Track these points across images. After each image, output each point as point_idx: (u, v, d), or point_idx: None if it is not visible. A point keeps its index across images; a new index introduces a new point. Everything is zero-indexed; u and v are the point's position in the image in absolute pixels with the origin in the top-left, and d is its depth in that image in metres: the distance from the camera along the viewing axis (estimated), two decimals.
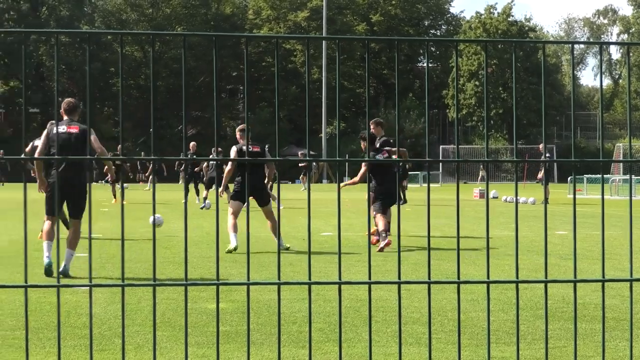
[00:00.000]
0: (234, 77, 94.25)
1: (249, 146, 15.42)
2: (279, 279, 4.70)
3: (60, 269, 12.32)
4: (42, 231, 12.59)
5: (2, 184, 61.69)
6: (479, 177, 74.74)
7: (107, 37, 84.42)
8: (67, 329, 8.37)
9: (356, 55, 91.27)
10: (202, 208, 29.82)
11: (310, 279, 4.68)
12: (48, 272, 12.04)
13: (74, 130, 12.43)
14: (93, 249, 15.11)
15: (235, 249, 15.30)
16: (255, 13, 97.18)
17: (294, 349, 7.61)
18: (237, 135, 16.64)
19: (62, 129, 12.35)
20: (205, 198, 30.95)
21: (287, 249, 15.86)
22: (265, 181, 16.76)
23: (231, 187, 17.26)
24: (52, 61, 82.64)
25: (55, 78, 4.58)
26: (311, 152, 75.84)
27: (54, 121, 12.43)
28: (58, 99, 4.74)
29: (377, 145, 17.79)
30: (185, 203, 4.98)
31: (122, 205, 4.59)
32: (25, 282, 4.61)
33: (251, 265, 11.67)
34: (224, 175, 16.57)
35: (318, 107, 78.92)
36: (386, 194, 16.70)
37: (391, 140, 18.54)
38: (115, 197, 33.70)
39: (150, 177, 51.96)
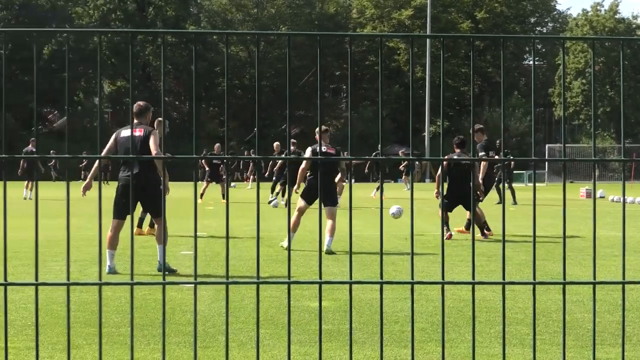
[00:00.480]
0: (337, 76, 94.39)
1: (324, 147, 15.88)
2: (381, 278, 4.68)
3: (158, 267, 12.55)
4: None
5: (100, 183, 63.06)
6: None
7: (213, 37, 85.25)
8: (172, 326, 8.47)
9: (460, 53, 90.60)
10: (269, 203, 30.21)
11: (412, 278, 4.66)
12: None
13: (138, 133, 12.55)
14: (198, 247, 15.30)
15: (285, 248, 15.13)
16: (359, 12, 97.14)
17: (396, 349, 7.59)
18: (316, 136, 16.42)
19: (128, 132, 12.51)
20: (278, 194, 31.37)
21: (331, 253, 15.20)
22: (336, 180, 17.03)
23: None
24: (159, 61, 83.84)
25: (162, 78, 4.64)
26: (414, 152, 75.54)
27: (127, 126, 12.65)
28: (164, 99, 4.79)
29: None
30: (289, 202, 4.99)
31: (227, 204, 4.63)
32: (131, 279, 4.68)
33: (353, 264, 11.68)
34: (298, 173, 16.41)
35: (421, 105, 78.52)
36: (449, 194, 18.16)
37: (497, 142, 18.97)
38: (224, 197, 33.68)
39: (252, 176, 52.32)
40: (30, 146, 36.30)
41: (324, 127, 16.54)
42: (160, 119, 16.07)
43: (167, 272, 11.96)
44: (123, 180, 12.56)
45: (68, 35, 4.75)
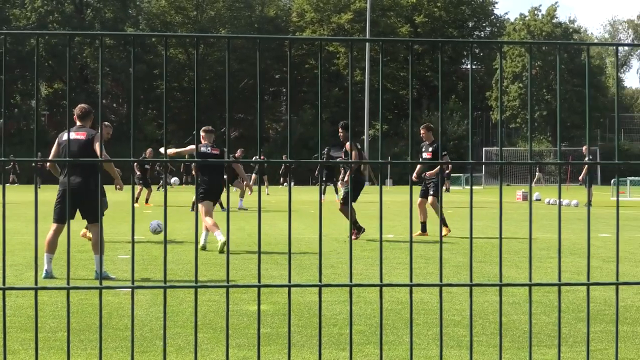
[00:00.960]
0: (277, 79, 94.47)
1: (209, 148, 17.01)
2: (320, 281, 4.69)
3: (95, 276, 12.32)
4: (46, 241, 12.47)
5: (17, 184, 62.72)
6: (535, 179, 74.28)
7: (152, 40, 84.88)
8: (109, 330, 8.41)
9: (399, 57, 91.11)
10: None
11: (351, 281, 4.67)
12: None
13: (81, 136, 12.41)
14: (135, 250, 15.20)
15: (224, 243, 15.49)
16: (298, 15, 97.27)
17: (334, 351, 7.60)
18: (201, 135, 17.29)
19: (70, 135, 12.34)
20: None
21: (204, 248, 16.12)
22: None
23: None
24: (97, 63, 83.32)
25: (99, 80, 4.61)
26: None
27: (70, 129, 12.58)
28: (102, 101, 4.76)
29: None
30: (227, 204, 4.98)
31: (165, 208, 4.61)
32: (68, 283, 4.63)
33: (292, 267, 11.68)
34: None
35: (361, 109, 78.79)
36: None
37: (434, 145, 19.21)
38: (136, 201, 32.84)
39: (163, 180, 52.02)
40: None
41: (210, 127, 17.44)
42: (107, 123, 16.31)
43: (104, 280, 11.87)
44: (64, 184, 12.30)
45: (5, 37, 4.70)
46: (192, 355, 7.35)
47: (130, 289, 4.61)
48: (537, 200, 40.52)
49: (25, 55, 79.67)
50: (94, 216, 12.51)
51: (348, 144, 18.68)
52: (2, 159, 4.64)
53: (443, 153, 19.46)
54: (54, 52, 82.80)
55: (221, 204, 26.16)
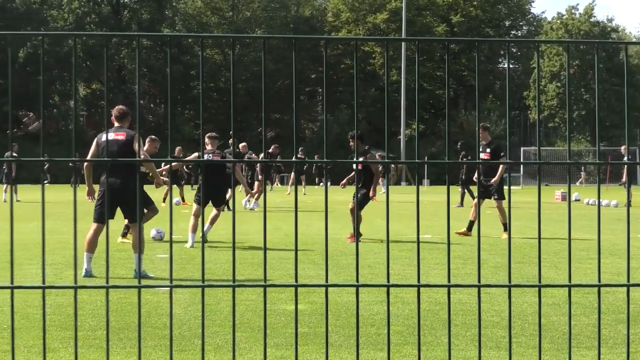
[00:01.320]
0: (312, 79, 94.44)
1: (211, 155, 17.61)
2: (357, 281, 4.69)
3: (134, 275, 12.39)
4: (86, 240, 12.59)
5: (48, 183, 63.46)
6: (580, 180, 73.74)
7: (188, 40, 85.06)
8: (148, 329, 8.45)
9: (436, 57, 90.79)
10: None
11: (388, 281, 4.66)
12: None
13: (121, 137, 12.54)
14: (174, 250, 15.27)
15: (191, 246, 16.64)
16: (334, 15, 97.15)
17: (372, 352, 7.59)
18: (206, 141, 17.98)
19: (110, 136, 12.42)
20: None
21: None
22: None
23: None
24: (134, 64, 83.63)
25: (136, 81, 4.63)
26: (390, 155, 75.65)
27: (109, 130, 12.65)
28: (139, 102, 4.78)
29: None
30: (265, 204, 4.98)
31: (202, 208, 4.62)
32: (107, 282, 4.66)
33: (329, 267, 11.69)
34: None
35: (397, 109, 78.62)
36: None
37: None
38: (164, 200, 32.59)
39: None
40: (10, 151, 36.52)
41: (214, 134, 18.13)
42: (154, 137, 16.94)
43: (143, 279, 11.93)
44: (104, 184, 12.22)
45: (43, 38, 4.73)
46: (230, 354, 7.38)
47: (168, 288, 4.63)
48: (576, 200, 40.27)
49: (63, 56, 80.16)
50: (134, 216, 12.66)
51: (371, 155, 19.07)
52: (41, 158, 4.68)
53: (501, 154, 19.39)
54: (92, 53, 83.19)
55: (228, 205, 26.19)
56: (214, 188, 17.38)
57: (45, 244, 4.63)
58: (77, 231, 4.67)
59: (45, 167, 63.95)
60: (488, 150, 19.48)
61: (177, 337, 8.08)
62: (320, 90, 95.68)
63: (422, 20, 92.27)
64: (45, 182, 66.59)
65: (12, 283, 4.64)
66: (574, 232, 20.26)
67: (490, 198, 19.78)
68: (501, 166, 19.49)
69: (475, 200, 20.07)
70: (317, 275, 12.64)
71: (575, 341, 8.02)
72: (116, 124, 12.77)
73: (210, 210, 18.11)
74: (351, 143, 19.16)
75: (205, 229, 16.90)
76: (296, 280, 4.70)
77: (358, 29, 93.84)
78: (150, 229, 18.44)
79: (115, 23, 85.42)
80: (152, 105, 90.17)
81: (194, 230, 16.88)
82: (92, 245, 12.45)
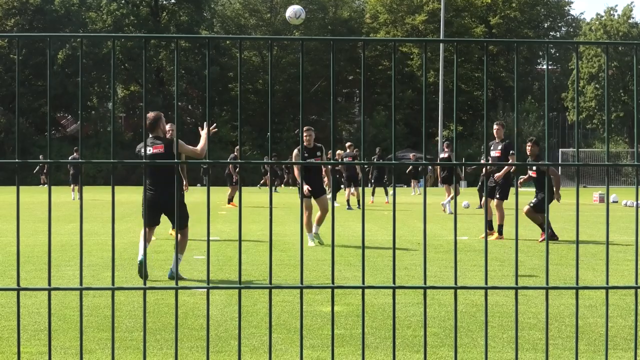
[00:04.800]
0: (350, 80, 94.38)
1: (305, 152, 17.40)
2: (394, 282, 4.68)
3: (169, 274, 12.38)
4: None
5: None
6: None
7: (226, 42, 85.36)
8: (184, 330, 8.48)
9: (474, 58, 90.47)
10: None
11: (425, 283, 4.65)
12: (140, 269, 11.71)
13: (159, 150, 12.39)
14: (211, 251, 15.31)
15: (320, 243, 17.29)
16: (372, 17, 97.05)
17: (408, 353, 7.58)
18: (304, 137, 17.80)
19: (149, 150, 12.31)
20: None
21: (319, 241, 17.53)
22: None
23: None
24: (172, 66, 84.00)
25: (175, 82, 4.65)
26: (427, 156, 75.50)
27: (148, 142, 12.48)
28: (178, 103, 4.80)
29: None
30: (302, 206, 4.98)
31: (240, 208, 4.64)
32: (144, 283, 4.68)
33: (366, 268, 11.68)
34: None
35: (435, 110, 78.44)
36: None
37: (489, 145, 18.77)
38: (230, 201, 33.08)
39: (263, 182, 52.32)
40: (75, 154, 40.08)
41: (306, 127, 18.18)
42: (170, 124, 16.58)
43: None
44: (148, 195, 12.16)
45: (82, 40, 4.76)
46: (267, 356, 7.39)
47: (205, 289, 4.64)
48: (614, 202, 40.01)
49: (102, 58, 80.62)
50: (180, 222, 12.39)
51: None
52: (80, 160, 4.71)
53: (511, 152, 18.96)
54: (130, 55, 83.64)
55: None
56: (315, 184, 17.57)
57: (83, 245, 4.66)
58: (114, 233, 4.70)
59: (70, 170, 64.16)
60: (500, 147, 19.15)
61: (213, 338, 8.10)
62: (357, 91, 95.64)
63: (460, 21, 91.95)
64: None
65: (49, 285, 4.67)
66: (612, 234, 20.11)
67: (493, 198, 19.47)
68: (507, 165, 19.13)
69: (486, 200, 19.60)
70: (353, 277, 12.63)
71: (612, 343, 7.97)
72: (150, 135, 12.65)
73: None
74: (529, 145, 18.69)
75: (314, 229, 17.59)
76: (333, 282, 4.70)
77: (396, 30, 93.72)
78: None
79: (153, 25, 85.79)
80: (190, 107, 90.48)
81: (309, 229, 17.56)
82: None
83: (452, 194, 30.68)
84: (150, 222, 12.50)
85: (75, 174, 39.28)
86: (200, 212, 25.83)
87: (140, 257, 11.75)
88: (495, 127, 19.35)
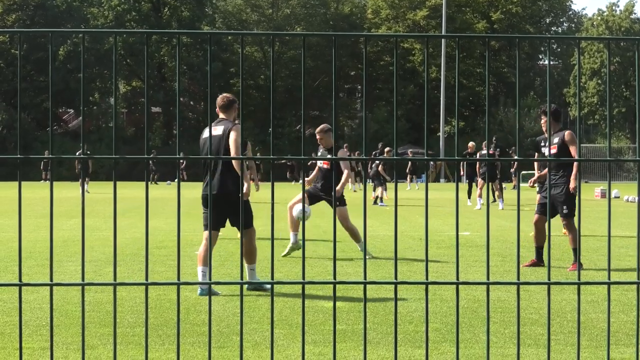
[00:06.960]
0: (352, 76, 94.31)
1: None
2: (395, 278, 4.68)
3: (250, 287, 11.03)
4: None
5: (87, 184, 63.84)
6: None
7: (228, 38, 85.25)
8: (186, 326, 8.49)
9: (475, 54, 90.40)
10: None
11: (427, 278, 4.65)
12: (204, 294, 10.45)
13: (218, 132, 10.72)
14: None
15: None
16: (374, 12, 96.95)
17: (410, 349, 7.59)
18: (318, 137, 15.33)
19: (208, 132, 10.65)
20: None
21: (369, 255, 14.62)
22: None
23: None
24: (174, 61, 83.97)
25: (177, 78, 4.65)
26: (429, 152, 75.50)
27: (214, 123, 10.63)
28: (179, 99, 4.81)
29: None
30: (303, 203, 4.98)
31: (241, 204, 4.64)
32: (146, 279, 4.68)
33: (368, 264, 11.69)
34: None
35: (436, 106, 78.40)
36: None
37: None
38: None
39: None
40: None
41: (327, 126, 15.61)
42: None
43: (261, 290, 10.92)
44: (204, 190, 10.79)
45: (83, 35, 4.76)
46: (268, 351, 7.39)
47: (207, 285, 4.65)
48: (615, 197, 40.02)
49: (104, 53, 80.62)
50: (244, 221, 10.82)
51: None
52: (82, 156, 4.71)
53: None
54: (132, 51, 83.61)
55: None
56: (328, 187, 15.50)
57: (85, 241, 4.66)
58: (117, 228, 4.70)
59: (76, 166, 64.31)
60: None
61: (215, 333, 8.11)
62: (359, 87, 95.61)
63: (462, 17, 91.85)
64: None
65: (51, 280, 4.67)
66: (614, 229, 20.11)
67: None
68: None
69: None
70: (355, 272, 12.64)
71: (614, 338, 7.97)
72: (221, 115, 11.07)
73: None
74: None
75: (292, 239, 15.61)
76: (334, 277, 4.70)
77: (398, 26, 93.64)
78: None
79: (155, 20, 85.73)
80: (192, 103, 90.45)
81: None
82: (204, 258, 10.69)
83: (498, 189, 30.67)
84: (213, 224, 10.00)
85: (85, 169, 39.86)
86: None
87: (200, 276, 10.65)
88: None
